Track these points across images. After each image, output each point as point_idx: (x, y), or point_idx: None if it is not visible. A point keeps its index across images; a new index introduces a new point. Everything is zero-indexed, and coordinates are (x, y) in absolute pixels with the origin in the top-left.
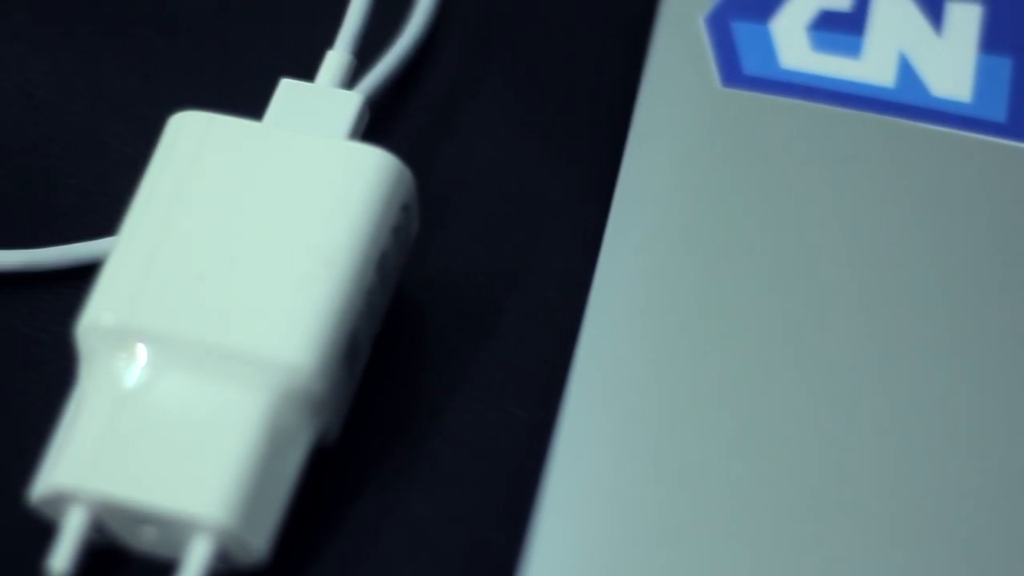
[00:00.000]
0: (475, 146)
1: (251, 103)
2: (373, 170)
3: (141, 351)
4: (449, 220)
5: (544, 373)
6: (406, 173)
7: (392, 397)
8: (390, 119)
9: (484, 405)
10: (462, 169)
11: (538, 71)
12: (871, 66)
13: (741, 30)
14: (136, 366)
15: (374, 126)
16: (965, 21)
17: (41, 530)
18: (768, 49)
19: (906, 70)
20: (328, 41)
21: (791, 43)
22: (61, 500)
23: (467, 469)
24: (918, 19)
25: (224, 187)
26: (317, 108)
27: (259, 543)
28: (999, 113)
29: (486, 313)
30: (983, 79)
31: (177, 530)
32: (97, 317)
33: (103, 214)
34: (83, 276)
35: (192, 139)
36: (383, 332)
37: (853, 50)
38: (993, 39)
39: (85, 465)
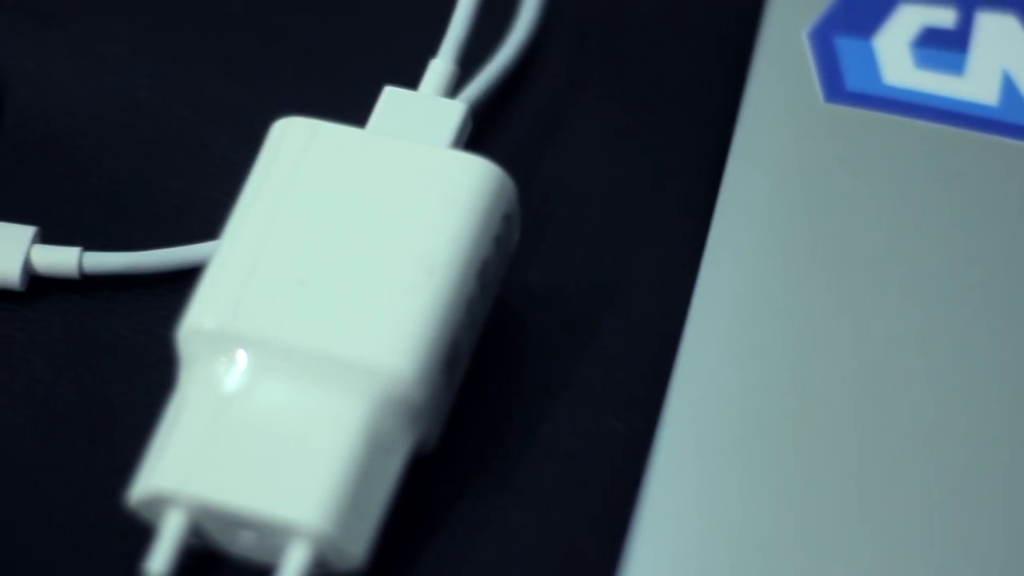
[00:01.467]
0: (576, 157)
1: (354, 110)
2: (476, 179)
3: (241, 355)
4: (549, 231)
5: (643, 385)
6: (509, 183)
7: (491, 406)
8: (492, 128)
9: (582, 416)
10: (563, 180)
11: (640, 83)
12: (974, 84)
13: (844, 46)
14: (236, 370)
15: (475, 135)
16: None
17: (139, 532)
18: (871, 65)
19: (1010, 88)
20: (431, 49)
21: (894, 59)
22: (160, 503)
23: (565, 480)
24: (1023, 37)
25: (327, 193)
26: (421, 116)
27: (356, 551)
28: None
29: (586, 324)
30: None
31: (275, 535)
32: (198, 321)
33: (204, 218)
34: (184, 279)
35: (296, 145)
36: (483, 341)
37: (956, 68)
38: None
39: (184, 468)
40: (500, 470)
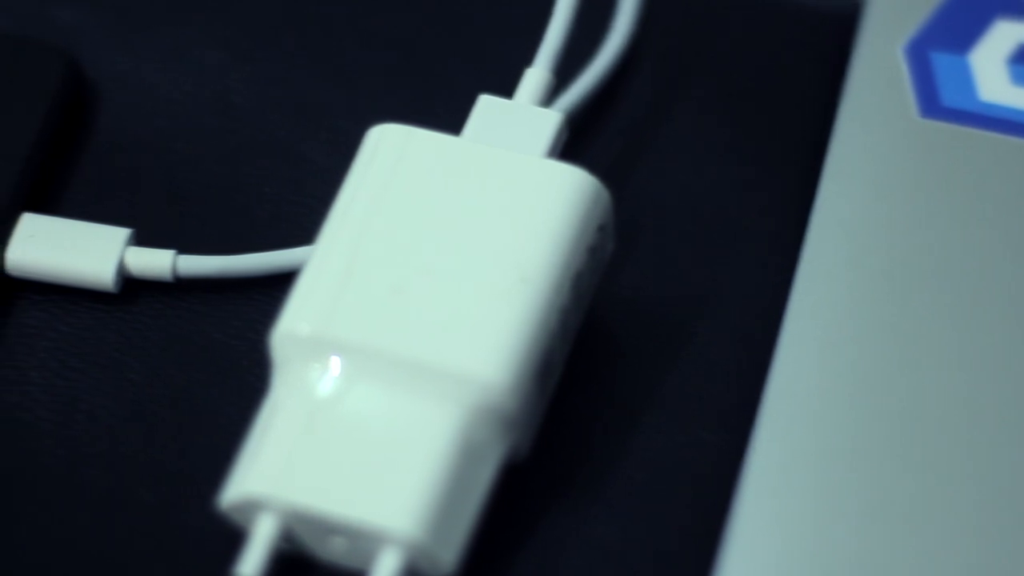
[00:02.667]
0: (670, 168)
1: (449, 117)
2: (571, 189)
3: (336, 361)
4: (643, 242)
5: (735, 398)
6: (604, 193)
7: (582, 417)
8: (586, 138)
9: (674, 428)
10: (656, 190)
11: (735, 95)
12: None
13: (940, 61)
14: (330, 376)
15: (570, 144)
16: None
17: (230, 536)
18: (967, 81)
19: None
20: (527, 58)
21: (990, 76)
22: (252, 507)
23: (655, 492)
24: None
25: (422, 200)
26: (516, 125)
27: (448, 558)
28: None
29: (678, 336)
30: None
31: (367, 542)
32: (293, 326)
33: (298, 223)
34: (278, 284)
35: (391, 152)
36: (575, 352)
37: None
38: None
39: (277, 473)
40: (590, 481)
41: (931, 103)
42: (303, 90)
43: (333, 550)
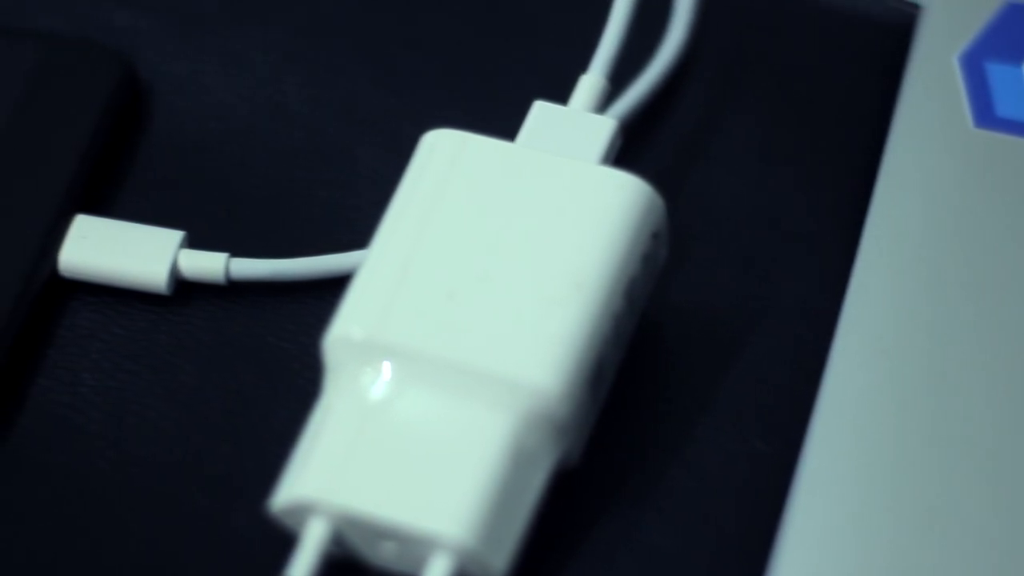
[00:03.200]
0: (723, 176)
1: (503, 123)
2: (626, 196)
3: (388, 366)
4: (696, 249)
5: (787, 407)
6: (658, 201)
7: (634, 424)
8: (639, 144)
9: (725, 436)
10: (710, 198)
11: (789, 103)
12: None
13: (995, 72)
14: (383, 381)
15: (624, 150)
16: None
17: (281, 540)
18: (1021, 92)
19: None
20: (582, 64)
21: None
22: (303, 511)
23: (706, 500)
24: None
25: (476, 206)
26: (570, 131)
27: (498, 564)
28: None
29: (730, 344)
30: None
31: (417, 547)
32: (346, 330)
33: (351, 227)
34: (329, 288)
35: (446, 157)
36: (628, 359)
37: None
38: None
39: (329, 477)
40: (642, 489)
41: (985, 113)
42: (357, 94)
43: (383, 554)
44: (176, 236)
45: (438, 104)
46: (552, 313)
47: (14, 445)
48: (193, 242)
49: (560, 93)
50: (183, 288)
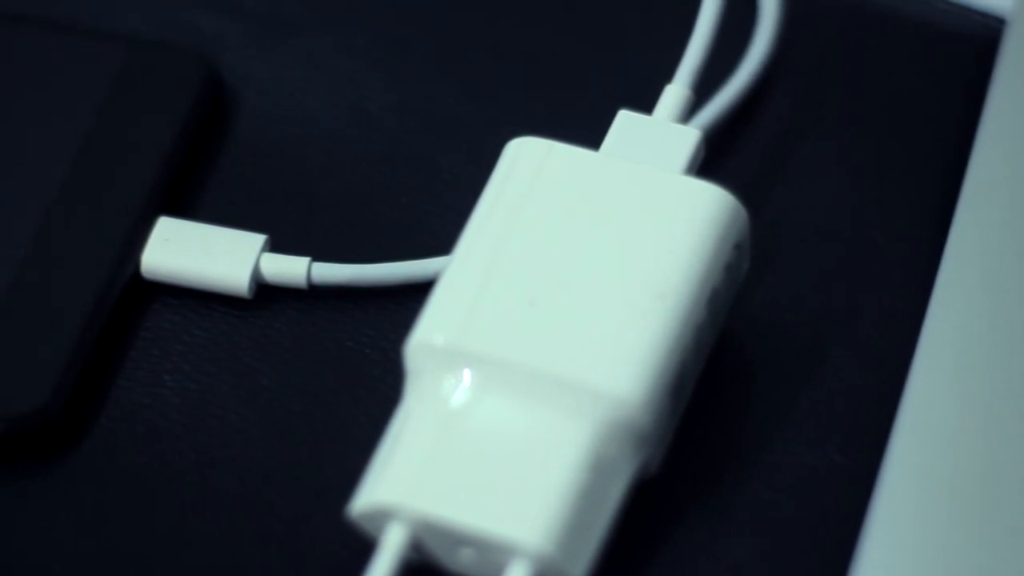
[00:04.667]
0: (805, 186)
1: (587, 132)
2: (710, 207)
3: (469, 373)
4: (777, 260)
5: (867, 419)
6: (742, 212)
7: (713, 435)
8: (722, 154)
9: (804, 448)
10: (792, 209)
11: (872, 116)
12: None
13: None
14: (463, 387)
15: (706, 160)
16: None
17: (359, 544)
18: None
19: None
20: (666, 74)
21: None
22: (382, 516)
23: (785, 511)
24: None
25: (559, 214)
26: (654, 141)
27: (577, 573)
28: None
29: (810, 355)
30: None
31: (496, 553)
32: (428, 336)
33: (431, 233)
34: (410, 293)
35: (530, 165)
36: (707, 369)
37: None
38: None
39: (408, 483)
40: (720, 500)
41: None
42: (439, 101)
43: (461, 561)
44: (258, 240)
45: (522, 112)
46: (634, 323)
47: (96, 445)
48: (274, 246)
49: (644, 102)
50: (264, 291)
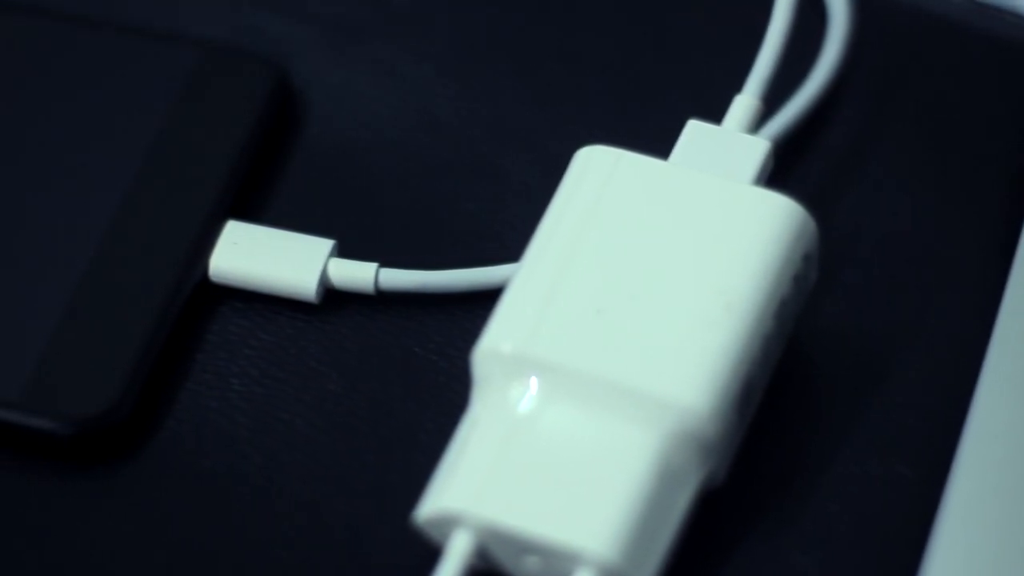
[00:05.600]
0: (873, 199)
1: (655, 141)
2: (779, 218)
3: (536, 380)
4: (845, 272)
5: (933, 433)
6: (811, 223)
7: (779, 446)
8: (791, 165)
9: (871, 461)
10: (860, 221)
11: (942, 129)
12: None
13: None
14: (530, 395)
15: (774, 171)
16: None
17: (424, 551)
18: None
19: None
20: (733, 83)
21: None
22: (448, 523)
23: (851, 525)
24: None
25: (628, 223)
26: (723, 151)
27: None
28: None
29: (876, 368)
30: None
31: (561, 562)
32: (496, 344)
33: (498, 241)
34: (477, 300)
35: (599, 173)
36: (774, 380)
37: None
38: None
39: (474, 490)
40: (786, 511)
41: None
42: (508, 108)
43: (526, 568)
44: (326, 245)
45: (590, 120)
46: (702, 332)
47: (163, 448)
48: (342, 251)
49: (713, 112)
50: (331, 297)
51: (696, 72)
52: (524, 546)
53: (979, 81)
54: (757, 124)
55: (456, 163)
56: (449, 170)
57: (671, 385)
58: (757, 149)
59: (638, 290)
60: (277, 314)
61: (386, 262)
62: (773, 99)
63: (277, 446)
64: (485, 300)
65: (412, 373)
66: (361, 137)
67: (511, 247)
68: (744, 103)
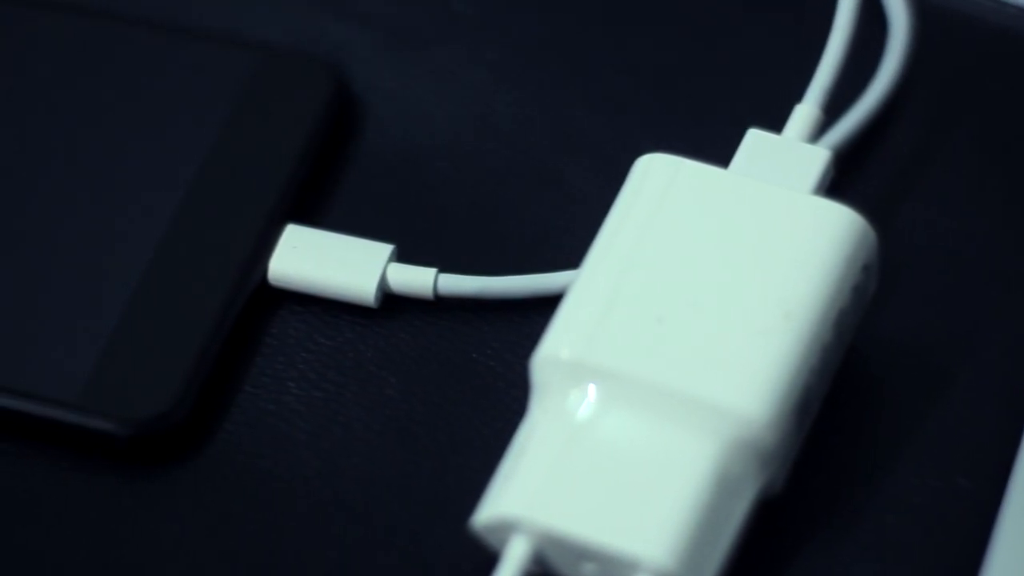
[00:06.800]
0: (934, 209)
1: (715, 149)
2: (839, 228)
3: (595, 387)
4: (904, 283)
5: (992, 445)
6: (871, 233)
7: (837, 456)
8: (851, 174)
9: (929, 472)
10: (919, 231)
11: (1002, 138)
12: None
13: None
14: (589, 402)
15: (834, 180)
16: None
17: (480, 557)
18: None
19: None
20: (795, 93)
21: None
22: (506, 528)
23: (909, 536)
24: None
25: (688, 232)
26: (783, 160)
27: None
28: None
29: (936, 379)
30: None
31: (619, 568)
32: (555, 350)
33: (557, 247)
34: (536, 307)
35: (659, 181)
36: (832, 390)
37: None
38: None
39: (532, 496)
40: (844, 521)
41: None
42: (567, 115)
43: (584, 574)
44: (386, 249)
45: (650, 128)
46: (761, 341)
47: (221, 450)
48: (401, 256)
49: (774, 121)
50: (390, 301)
51: (756, 81)
52: (581, 553)
53: None
54: (818, 133)
55: (515, 169)
56: (508, 176)
57: (730, 393)
58: (818, 158)
59: (697, 298)
60: (335, 318)
61: (445, 267)
62: (834, 108)
63: (334, 450)
64: (544, 306)
65: (470, 379)
66: (420, 142)
67: (571, 254)
68: (805, 112)
